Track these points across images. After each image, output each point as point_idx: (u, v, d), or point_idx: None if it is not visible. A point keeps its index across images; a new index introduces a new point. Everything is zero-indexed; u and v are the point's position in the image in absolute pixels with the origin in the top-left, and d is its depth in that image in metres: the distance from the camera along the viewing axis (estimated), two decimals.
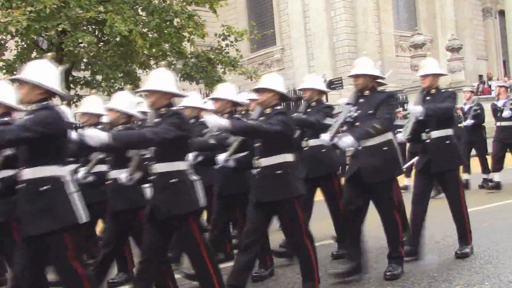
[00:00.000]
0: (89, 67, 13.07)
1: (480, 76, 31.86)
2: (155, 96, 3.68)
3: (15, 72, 12.17)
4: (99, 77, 13.42)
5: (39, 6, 10.63)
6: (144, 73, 14.42)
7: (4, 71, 12.35)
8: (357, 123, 4.35)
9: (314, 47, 27.66)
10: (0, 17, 10.50)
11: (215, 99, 5.06)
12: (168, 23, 12.82)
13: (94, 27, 12.81)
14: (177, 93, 3.80)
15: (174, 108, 3.81)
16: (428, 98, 4.87)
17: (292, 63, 29.03)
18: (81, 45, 11.50)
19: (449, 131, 4.84)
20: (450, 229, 6.15)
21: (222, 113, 4.82)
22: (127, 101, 4.45)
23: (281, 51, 30.01)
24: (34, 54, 12.76)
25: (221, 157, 4.41)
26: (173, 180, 3.53)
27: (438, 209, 7.85)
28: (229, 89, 5.13)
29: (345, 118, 4.40)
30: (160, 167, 3.58)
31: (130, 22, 11.64)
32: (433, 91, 4.89)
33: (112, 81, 13.09)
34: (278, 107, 4.09)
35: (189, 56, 13.75)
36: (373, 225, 6.61)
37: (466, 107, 9.77)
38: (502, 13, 34.34)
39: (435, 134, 4.80)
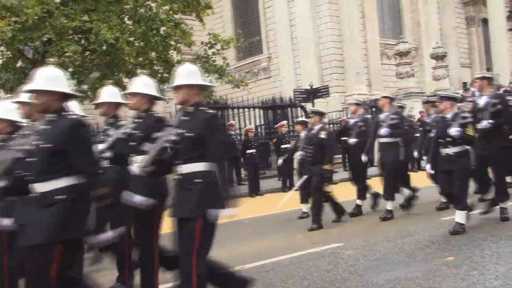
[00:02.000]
0: (75, 76, 13.01)
1: (464, 84, 32.22)
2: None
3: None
4: (85, 87, 13.36)
5: (24, 17, 10.57)
6: (130, 82, 14.36)
7: None
8: None
9: (300, 55, 27.77)
10: None
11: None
12: (154, 31, 12.82)
13: (80, 36, 12.76)
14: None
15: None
16: (184, 118, 3.72)
17: (279, 71, 29.12)
18: (66, 54, 11.44)
19: (202, 166, 3.57)
20: (436, 235, 6.22)
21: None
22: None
23: (268, 59, 30.09)
24: (19, 63, 12.68)
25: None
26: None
27: (422, 215, 7.93)
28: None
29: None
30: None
31: (117, 30, 11.62)
32: (190, 109, 3.71)
33: (99, 90, 13.02)
34: None
35: (176, 64, 13.75)
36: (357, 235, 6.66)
37: (351, 122, 8.70)
38: (485, 21, 34.77)
39: (185, 168, 3.62)
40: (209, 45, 14.19)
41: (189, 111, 3.69)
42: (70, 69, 12.53)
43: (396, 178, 8.03)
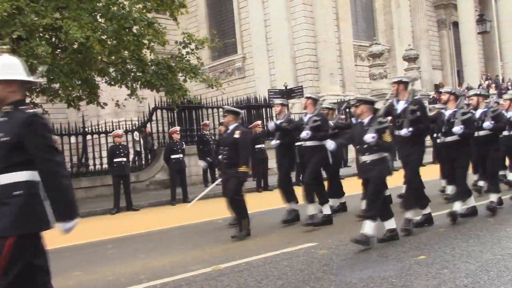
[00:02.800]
0: (45, 74, 12.76)
1: (436, 85, 32.90)
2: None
3: None
4: (56, 85, 13.11)
5: None
6: (102, 81, 14.16)
7: None
8: None
9: (275, 55, 27.86)
10: None
11: None
12: (127, 30, 12.65)
13: (50, 33, 12.51)
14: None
15: None
16: (2, 119, 3.11)
17: (253, 71, 29.16)
18: (35, 53, 11.17)
19: (24, 175, 3.03)
20: (408, 235, 6.30)
21: None
22: None
23: (242, 60, 30.10)
24: None
25: None
26: None
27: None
28: None
29: None
30: None
31: (88, 29, 11.41)
32: (7, 108, 3.12)
33: (70, 89, 12.81)
34: None
35: (149, 63, 13.61)
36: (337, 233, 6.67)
37: (277, 123, 8.29)
38: (456, 24, 35.50)
39: (2, 179, 3.00)
40: (183, 45, 14.09)
41: (7, 111, 3.12)
42: (40, 68, 12.28)
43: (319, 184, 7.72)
